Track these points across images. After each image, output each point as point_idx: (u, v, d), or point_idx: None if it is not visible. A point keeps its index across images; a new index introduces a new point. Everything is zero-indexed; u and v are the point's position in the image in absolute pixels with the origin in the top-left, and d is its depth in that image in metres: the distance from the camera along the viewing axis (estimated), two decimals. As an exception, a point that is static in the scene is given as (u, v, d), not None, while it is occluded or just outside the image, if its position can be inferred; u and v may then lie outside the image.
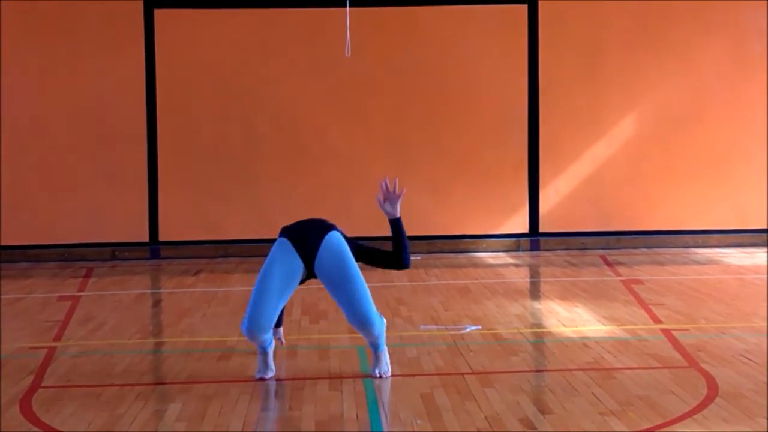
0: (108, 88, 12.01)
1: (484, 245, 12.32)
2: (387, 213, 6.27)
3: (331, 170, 12.20)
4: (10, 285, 10.37)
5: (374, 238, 12.31)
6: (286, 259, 6.11)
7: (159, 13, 12.05)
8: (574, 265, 11.21)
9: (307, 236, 6.16)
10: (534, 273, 11.10)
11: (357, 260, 6.21)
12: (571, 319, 8.08)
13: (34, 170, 11.99)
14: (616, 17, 12.35)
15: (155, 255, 12.05)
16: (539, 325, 8.03)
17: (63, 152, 12.01)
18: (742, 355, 6.69)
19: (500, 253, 12.12)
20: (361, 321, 6.10)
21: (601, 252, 12.04)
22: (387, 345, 6.38)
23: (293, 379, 6.26)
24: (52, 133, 12.01)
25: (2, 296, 9.66)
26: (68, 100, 12.01)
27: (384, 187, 6.28)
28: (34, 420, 5.52)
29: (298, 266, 6.12)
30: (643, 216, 12.42)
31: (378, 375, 6.23)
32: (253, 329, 6.05)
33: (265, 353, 6.26)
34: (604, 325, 7.83)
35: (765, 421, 5.27)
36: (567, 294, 9.28)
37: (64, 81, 12.01)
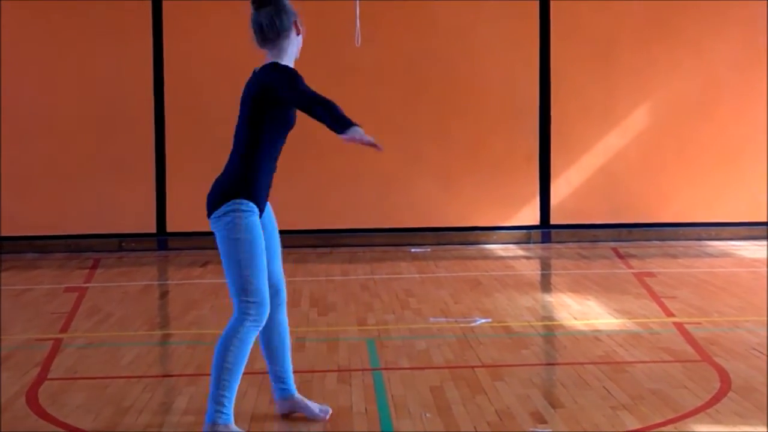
0: (116, 78, 12.00)
1: (494, 237, 12.30)
2: None
3: (339, 160, 12.18)
4: (17, 276, 10.38)
5: (384, 229, 12.35)
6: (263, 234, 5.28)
7: (167, 3, 12.03)
8: (585, 257, 11.18)
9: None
10: (545, 265, 11.08)
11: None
12: (583, 312, 8.06)
13: (40, 160, 11.99)
14: (629, 9, 12.30)
15: (162, 246, 12.05)
16: (550, 318, 8.02)
17: (70, 142, 12.01)
18: (755, 349, 6.67)
19: (511, 245, 12.10)
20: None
21: (612, 244, 12.01)
22: (397, 337, 6.36)
23: (301, 371, 6.25)
24: (59, 122, 12.01)
25: (9, 287, 9.67)
26: (75, 90, 12.01)
27: None
28: (41, 412, 5.52)
29: None
30: (655, 208, 12.39)
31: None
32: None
33: None
34: (616, 318, 7.81)
35: (779, 415, 5.25)
36: (578, 287, 9.26)
37: (71, 70, 12.01)
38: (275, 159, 5.45)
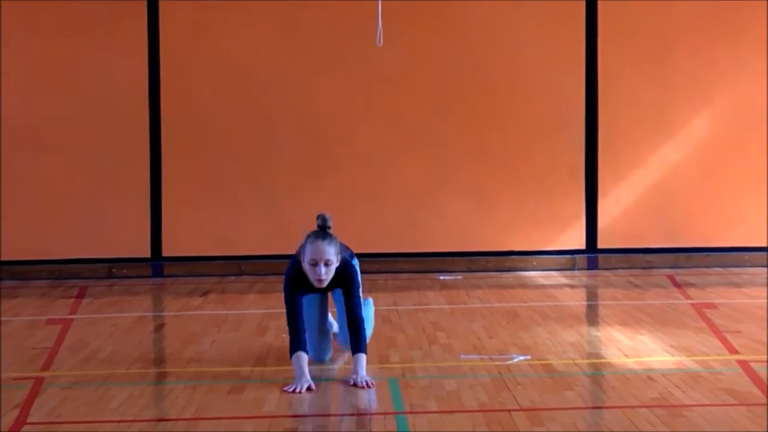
0: (107, 87, 12.08)
1: (534, 263, 12.31)
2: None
3: (360, 176, 12.22)
4: (-6, 306, 10.46)
5: (409, 254, 12.38)
6: None
7: (164, 5, 12.10)
8: (637, 286, 11.18)
9: None
10: (591, 295, 11.08)
11: None
12: (634, 349, 8.06)
13: (22, 177, 12.07)
14: (687, 5, 12.30)
15: (158, 272, 12.11)
16: (597, 356, 8.02)
17: (55, 157, 12.09)
18: (832, 391, 6.64)
19: (553, 272, 12.11)
20: None
21: (668, 271, 12.00)
22: (423, 377, 6.37)
23: (315, 415, 6.26)
24: (44, 135, 12.09)
25: (-15, 319, 9.75)
26: (63, 100, 12.09)
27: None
28: (19, 461, 5.56)
29: None
30: (717, 230, 12.37)
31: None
32: None
33: None
34: (672, 355, 7.80)
35: None
36: (629, 319, 9.25)
37: (59, 78, 12.09)
38: None
